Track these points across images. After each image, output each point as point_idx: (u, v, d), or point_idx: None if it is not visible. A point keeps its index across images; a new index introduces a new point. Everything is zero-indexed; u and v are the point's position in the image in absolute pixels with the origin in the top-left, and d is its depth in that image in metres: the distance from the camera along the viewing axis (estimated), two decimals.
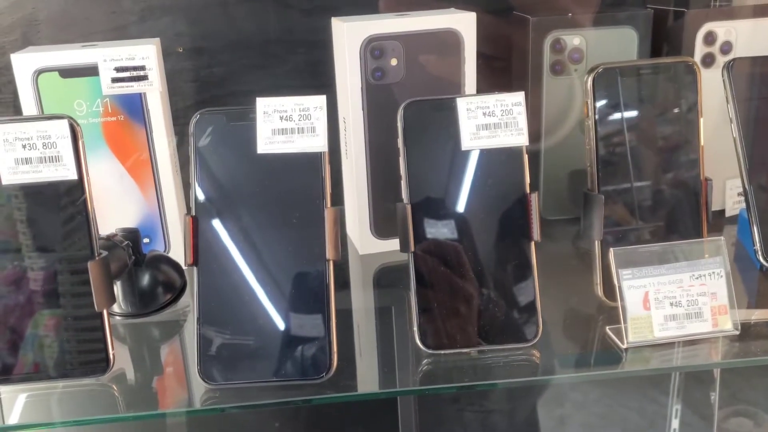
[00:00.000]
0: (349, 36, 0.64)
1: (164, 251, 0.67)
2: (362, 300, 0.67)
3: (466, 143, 0.53)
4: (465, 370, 0.52)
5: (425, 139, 0.54)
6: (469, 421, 0.90)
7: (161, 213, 0.66)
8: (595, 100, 0.56)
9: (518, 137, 0.53)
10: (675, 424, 0.99)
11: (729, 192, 0.73)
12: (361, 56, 0.65)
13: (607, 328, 0.54)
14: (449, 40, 0.66)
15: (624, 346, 0.52)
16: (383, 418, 0.87)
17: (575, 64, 0.69)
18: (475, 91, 0.68)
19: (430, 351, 0.52)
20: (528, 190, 0.53)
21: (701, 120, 0.57)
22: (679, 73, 0.57)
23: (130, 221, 0.66)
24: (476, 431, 0.90)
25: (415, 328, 0.53)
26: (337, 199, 0.75)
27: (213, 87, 0.80)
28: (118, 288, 0.59)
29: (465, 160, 0.53)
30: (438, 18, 0.65)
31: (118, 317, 0.60)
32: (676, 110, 0.57)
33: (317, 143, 0.51)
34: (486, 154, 0.53)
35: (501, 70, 0.75)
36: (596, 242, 0.57)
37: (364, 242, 0.70)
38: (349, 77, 0.65)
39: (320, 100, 0.51)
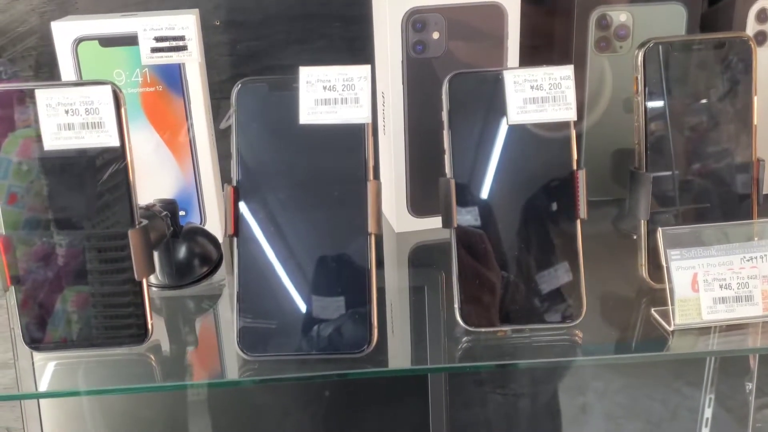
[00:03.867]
0: (390, 8, 0.63)
1: (200, 224, 0.67)
2: (397, 278, 0.66)
3: (513, 117, 0.52)
4: (505, 348, 0.51)
5: (470, 113, 0.53)
6: (499, 404, 0.89)
7: (197, 185, 0.66)
8: (645, 76, 0.54)
9: (567, 112, 0.52)
10: (708, 413, 0.98)
11: None
12: (403, 29, 0.63)
13: (653, 310, 0.53)
14: (493, 14, 0.64)
15: (671, 329, 0.51)
16: (413, 398, 0.87)
17: (621, 41, 0.67)
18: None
19: (472, 329, 0.51)
20: (575, 167, 0.52)
21: (755, 99, 0.55)
22: (733, 49, 0.55)
23: (166, 193, 0.65)
24: (506, 414, 0.90)
25: (456, 306, 0.52)
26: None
27: (249, 61, 0.79)
28: (155, 259, 0.59)
29: (511, 135, 0.52)
30: None
31: (154, 288, 0.60)
32: (728, 88, 0.55)
33: (361, 114, 0.50)
34: (533, 129, 0.52)
35: (543, 46, 0.73)
36: (642, 222, 0.55)
37: (401, 220, 0.69)
38: (389, 50, 0.64)
39: (365, 70, 0.50)
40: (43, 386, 0.50)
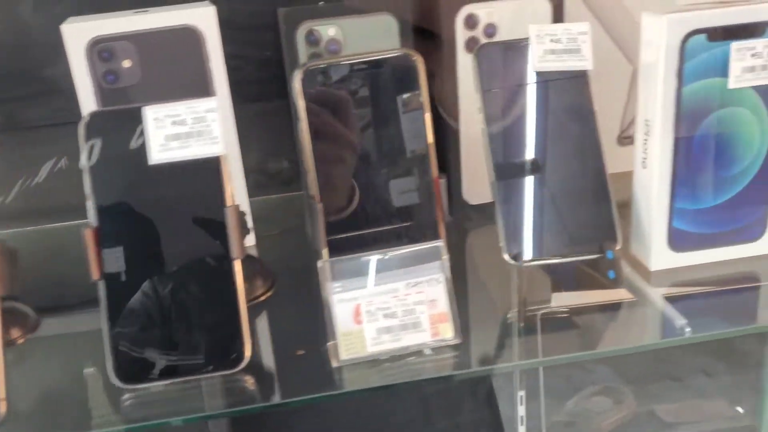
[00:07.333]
0: (72, 38, 0.59)
1: None
2: None
3: (154, 156, 0.49)
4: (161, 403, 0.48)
5: (114, 155, 0.49)
6: None
7: None
8: (306, 102, 0.52)
9: (212, 146, 0.49)
10: (521, 411, 0.98)
11: None
12: (89, 59, 0.60)
13: (328, 344, 0.51)
14: (188, 38, 0.61)
15: (336, 365, 0.49)
16: None
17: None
18: (227, 90, 0.64)
19: (126, 386, 0.48)
20: (226, 204, 0.49)
21: (427, 116, 0.54)
22: (398, 66, 0.53)
23: None
24: None
25: (109, 364, 0.48)
26: None
27: None
28: None
29: (156, 177, 0.49)
30: (172, 14, 0.61)
31: None
32: (396, 107, 0.53)
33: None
34: (178, 168, 0.49)
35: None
36: (323, 251, 0.53)
37: None
38: (79, 82, 0.60)
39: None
40: None
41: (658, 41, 0.52)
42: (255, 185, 0.80)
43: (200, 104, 0.49)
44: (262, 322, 0.58)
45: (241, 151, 0.79)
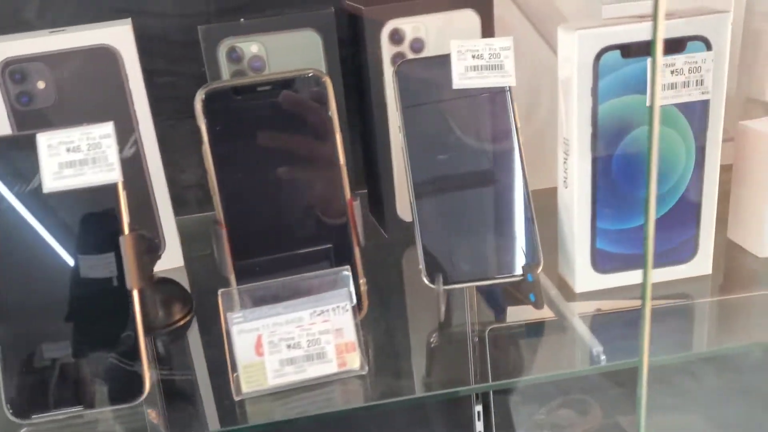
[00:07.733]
0: None
1: None
2: None
3: (48, 184, 0.48)
4: None
5: (10, 183, 0.48)
6: None
7: None
8: (209, 124, 0.51)
9: (108, 173, 0.48)
10: (480, 426, 0.96)
11: None
12: (1, 81, 0.58)
13: (233, 375, 0.49)
14: (104, 58, 0.60)
15: (237, 398, 0.48)
16: None
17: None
18: (147, 109, 0.62)
19: (20, 420, 0.47)
20: (126, 231, 0.48)
21: (338, 136, 0.52)
22: (306, 86, 0.52)
23: None
24: None
25: (2, 396, 0.47)
26: None
27: None
28: None
29: (53, 205, 0.48)
30: (88, 34, 0.59)
31: None
32: (306, 128, 0.52)
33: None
34: (75, 196, 0.48)
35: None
36: (230, 278, 0.52)
37: None
38: None
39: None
40: None
41: (572, 58, 0.51)
42: (195, 202, 0.79)
43: (95, 130, 0.48)
44: (173, 351, 0.56)
45: (180, 168, 0.78)
